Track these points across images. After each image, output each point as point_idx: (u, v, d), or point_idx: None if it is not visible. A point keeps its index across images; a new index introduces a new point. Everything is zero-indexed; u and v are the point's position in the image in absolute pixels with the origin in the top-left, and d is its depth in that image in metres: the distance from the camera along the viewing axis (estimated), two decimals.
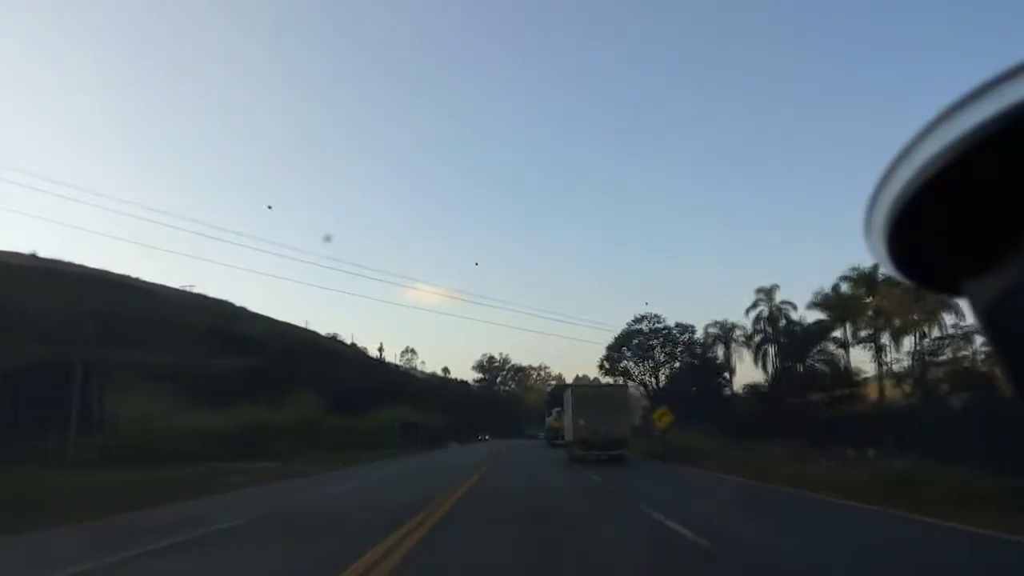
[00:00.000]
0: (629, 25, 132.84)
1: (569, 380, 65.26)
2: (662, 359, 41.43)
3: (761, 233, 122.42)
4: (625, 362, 42.11)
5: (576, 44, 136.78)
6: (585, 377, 71.26)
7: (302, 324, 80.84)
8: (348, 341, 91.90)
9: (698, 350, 40.94)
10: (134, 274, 67.36)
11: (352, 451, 37.40)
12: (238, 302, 70.86)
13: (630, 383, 40.45)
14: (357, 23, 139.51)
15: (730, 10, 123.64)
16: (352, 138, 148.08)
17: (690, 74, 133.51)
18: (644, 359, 41.11)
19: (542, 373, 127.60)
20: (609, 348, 43.20)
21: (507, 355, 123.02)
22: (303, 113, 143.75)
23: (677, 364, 41.26)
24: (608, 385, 32.36)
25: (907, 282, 0.75)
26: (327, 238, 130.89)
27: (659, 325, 41.87)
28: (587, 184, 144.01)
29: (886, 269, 0.71)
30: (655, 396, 39.83)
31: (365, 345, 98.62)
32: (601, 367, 42.78)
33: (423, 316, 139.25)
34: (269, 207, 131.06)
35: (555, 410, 48.73)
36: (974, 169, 0.53)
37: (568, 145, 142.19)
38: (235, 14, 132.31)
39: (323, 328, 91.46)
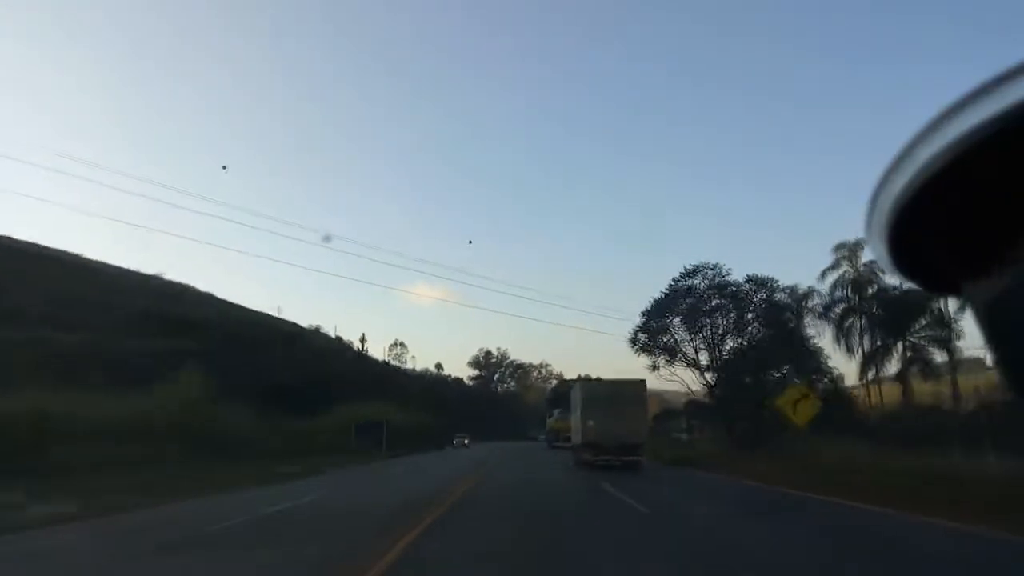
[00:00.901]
0: (629, 25, 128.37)
1: (572, 379, 54.47)
2: (728, 326, 27.35)
3: (762, 232, 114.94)
4: (670, 335, 28.44)
5: (576, 44, 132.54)
6: (588, 377, 61.81)
7: (275, 314, 70.91)
8: (333, 334, 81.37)
9: (775, 313, 27.58)
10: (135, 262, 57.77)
11: (275, 460, 26.21)
12: (204, 288, 60.46)
13: (676, 367, 28.37)
14: (357, 23, 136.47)
15: (730, 10, 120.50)
16: (352, 138, 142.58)
17: (690, 74, 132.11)
18: (698, 329, 28.13)
19: (543, 371, 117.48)
20: (646, 314, 29.38)
21: (505, 350, 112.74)
22: (303, 113, 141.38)
23: (748, 334, 27.40)
24: (623, 380, 24.28)
25: (907, 282, 0.72)
26: (327, 238, 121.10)
27: (722, 279, 28.04)
28: (587, 184, 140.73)
29: (886, 269, 0.69)
30: (721, 382, 27.15)
31: (351, 339, 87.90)
32: (634, 341, 28.87)
33: (418, 312, 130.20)
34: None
35: (556, 411, 46.19)
36: (974, 169, 0.52)
37: (568, 145, 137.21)
38: (235, 14, 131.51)
39: (309, 321, 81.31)
